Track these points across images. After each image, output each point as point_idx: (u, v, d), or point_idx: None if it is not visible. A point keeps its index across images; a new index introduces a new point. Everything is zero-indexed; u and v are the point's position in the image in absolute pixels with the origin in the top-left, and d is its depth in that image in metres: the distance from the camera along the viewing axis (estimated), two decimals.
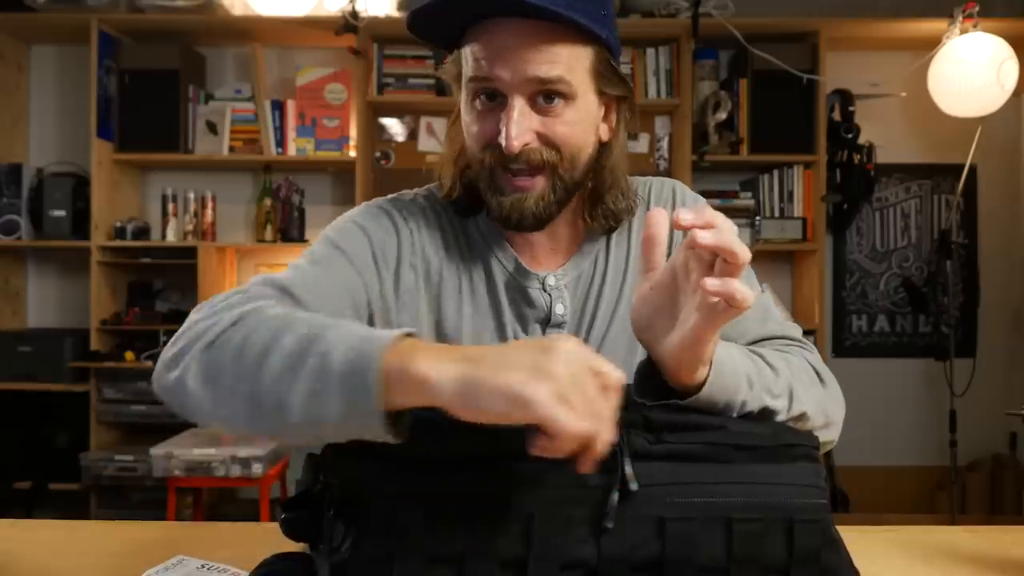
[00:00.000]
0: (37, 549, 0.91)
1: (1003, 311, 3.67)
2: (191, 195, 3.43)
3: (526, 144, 0.88)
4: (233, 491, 3.46)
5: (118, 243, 3.32)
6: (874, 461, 3.60)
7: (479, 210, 0.99)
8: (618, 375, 0.61)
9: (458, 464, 0.65)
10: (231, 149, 3.39)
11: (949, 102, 3.12)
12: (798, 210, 3.37)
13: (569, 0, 0.83)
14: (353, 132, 3.40)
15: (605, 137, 0.96)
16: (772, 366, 0.82)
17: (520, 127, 0.86)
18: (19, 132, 3.53)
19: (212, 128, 3.39)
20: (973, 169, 3.51)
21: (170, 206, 3.42)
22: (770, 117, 3.30)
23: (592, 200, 0.97)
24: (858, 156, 3.39)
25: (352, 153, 3.37)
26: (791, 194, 3.38)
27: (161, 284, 3.56)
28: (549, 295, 0.97)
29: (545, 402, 0.56)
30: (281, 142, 3.38)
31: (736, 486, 0.66)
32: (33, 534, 0.97)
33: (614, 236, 1.01)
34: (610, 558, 0.64)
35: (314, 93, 3.38)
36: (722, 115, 3.29)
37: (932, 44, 3.15)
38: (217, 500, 3.40)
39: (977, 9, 3.04)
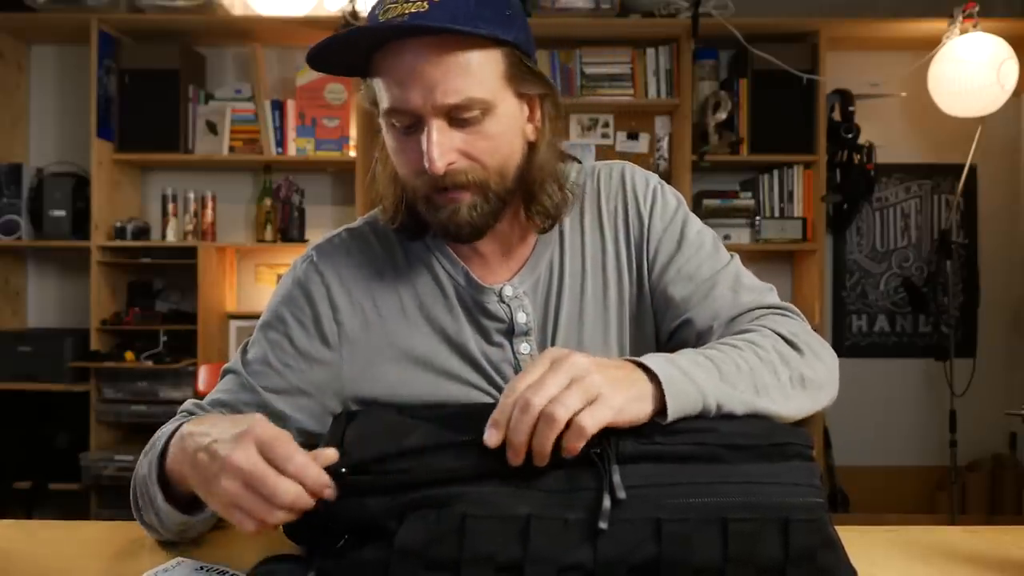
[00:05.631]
0: (37, 549, 0.91)
1: (1003, 311, 3.67)
2: (191, 195, 3.43)
3: (450, 164, 0.86)
4: None
5: (118, 243, 3.32)
6: (874, 461, 3.60)
7: (424, 231, 0.98)
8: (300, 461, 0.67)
9: (454, 476, 0.65)
10: (231, 149, 3.39)
11: (949, 102, 3.12)
12: (798, 210, 3.37)
13: (467, 10, 0.82)
14: (353, 132, 3.40)
15: (532, 137, 0.94)
16: (736, 365, 0.80)
17: (441, 148, 0.85)
18: (19, 132, 3.53)
19: (212, 128, 3.39)
20: (973, 169, 3.51)
21: (170, 206, 3.42)
22: (770, 117, 3.30)
23: (526, 201, 0.95)
24: (858, 156, 3.39)
25: (352, 153, 3.37)
26: (791, 194, 3.38)
27: (161, 284, 3.56)
28: (508, 306, 0.97)
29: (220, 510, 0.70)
30: (281, 142, 3.38)
31: (731, 486, 0.66)
32: (33, 534, 0.97)
33: (566, 238, 1.00)
34: (607, 560, 0.64)
35: (314, 93, 3.38)
36: (722, 115, 3.29)
37: (932, 44, 3.15)
38: None
39: (977, 9, 3.04)
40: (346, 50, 0.86)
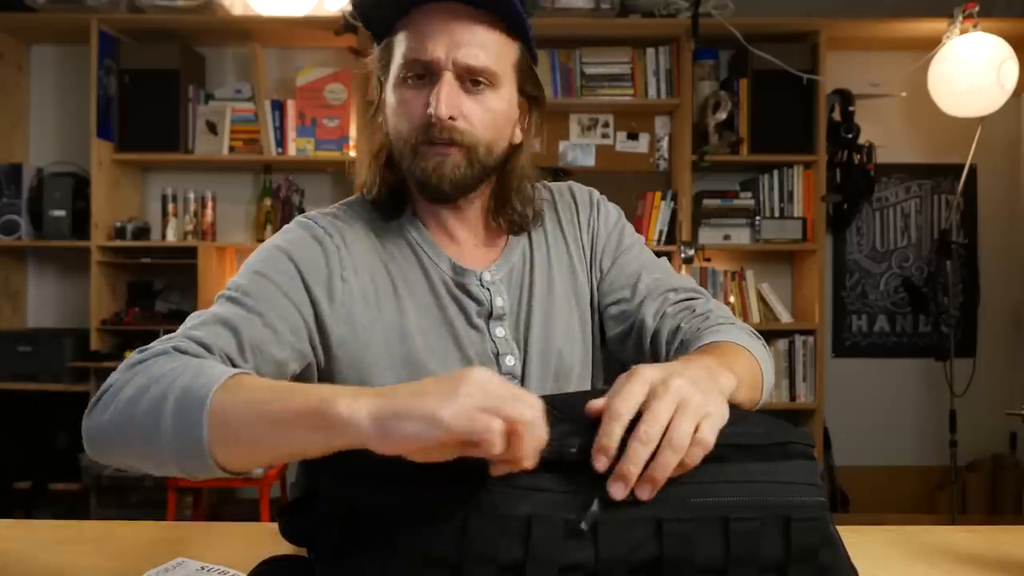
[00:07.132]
0: (37, 549, 0.91)
1: (1003, 311, 3.67)
2: (191, 195, 3.43)
3: (452, 118, 0.92)
4: (233, 491, 3.46)
5: (118, 243, 3.32)
6: (874, 461, 3.60)
7: (402, 210, 1.03)
8: (534, 402, 0.61)
9: (453, 476, 0.65)
10: (231, 149, 3.39)
11: (949, 102, 3.12)
12: (798, 210, 3.37)
13: None
14: (353, 132, 3.40)
15: (517, 140, 1.02)
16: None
17: (449, 98, 0.92)
18: (19, 132, 3.53)
19: (212, 128, 3.39)
20: (973, 169, 3.51)
21: (170, 206, 3.42)
22: (770, 117, 3.30)
23: (499, 201, 1.04)
24: (858, 156, 3.39)
25: (352, 153, 3.37)
26: (791, 194, 3.38)
27: (161, 284, 3.56)
28: (488, 290, 1.02)
29: (458, 418, 0.57)
30: (281, 142, 3.38)
31: (732, 485, 0.66)
32: (33, 534, 0.97)
33: (533, 237, 1.08)
34: (608, 560, 0.64)
35: (314, 93, 3.38)
36: (722, 115, 3.29)
37: (932, 44, 3.15)
38: (217, 500, 3.40)
39: (977, 9, 3.04)
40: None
